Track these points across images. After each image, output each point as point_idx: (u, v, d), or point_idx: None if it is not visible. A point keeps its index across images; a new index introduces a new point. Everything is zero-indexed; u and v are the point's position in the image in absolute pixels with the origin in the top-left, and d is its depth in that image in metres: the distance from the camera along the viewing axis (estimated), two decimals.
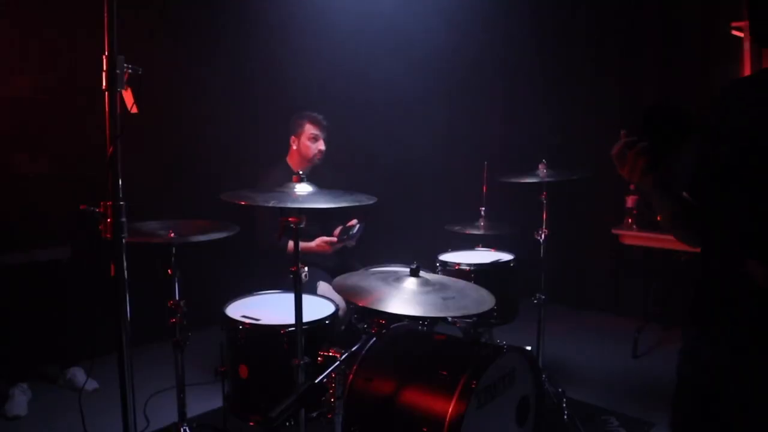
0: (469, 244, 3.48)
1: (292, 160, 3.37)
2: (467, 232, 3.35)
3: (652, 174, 1.24)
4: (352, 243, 3.29)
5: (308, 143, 3.30)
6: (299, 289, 1.96)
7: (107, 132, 1.37)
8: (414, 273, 2.00)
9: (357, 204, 2.07)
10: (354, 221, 3.32)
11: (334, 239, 3.23)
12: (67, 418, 3.01)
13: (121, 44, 1.38)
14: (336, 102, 4.48)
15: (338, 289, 2.00)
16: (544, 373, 2.80)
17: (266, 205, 1.95)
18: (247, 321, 2.29)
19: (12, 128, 3.37)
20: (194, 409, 2.99)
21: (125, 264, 1.44)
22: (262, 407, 2.22)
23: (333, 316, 2.37)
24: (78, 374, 3.37)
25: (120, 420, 1.47)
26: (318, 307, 2.47)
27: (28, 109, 3.43)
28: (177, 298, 2.43)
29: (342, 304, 2.73)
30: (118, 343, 1.45)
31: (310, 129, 3.30)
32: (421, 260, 2.08)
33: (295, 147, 3.34)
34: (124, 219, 1.42)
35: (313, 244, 3.18)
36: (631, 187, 4.14)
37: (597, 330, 4.52)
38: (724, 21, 4.21)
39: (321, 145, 3.32)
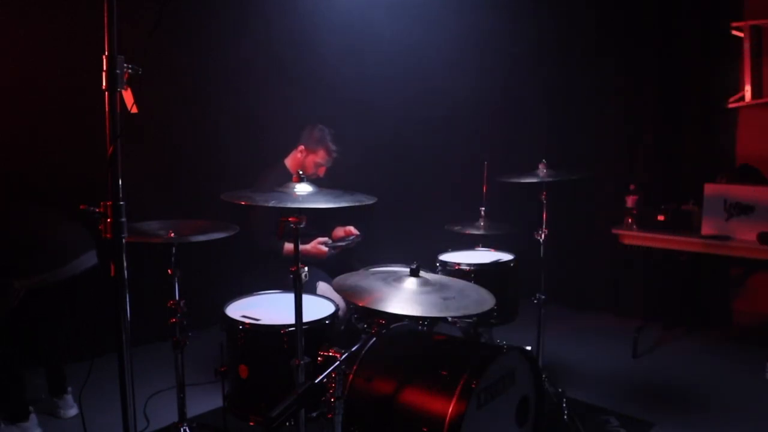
0: (469, 244, 3.47)
1: (291, 164, 3.35)
2: (467, 232, 3.34)
3: None
4: (335, 251, 3.26)
5: (312, 166, 3.30)
6: (299, 288, 1.95)
7: (107, 132, 1.37)
8: (414, 273, 2.00)
9: (357, 204, 2.07)
10: (354, 231, 3.31)
11: (328, 240, 3.22)
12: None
13: (121, 44, 1.38)
14: (336, 102, 4.48)
15: (338, 289, 2.00)
16: (544, 373, 2.80)
17: (266, 205, 1.95)
18: (247, 321, 2.29)
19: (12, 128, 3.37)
20: (194, 409, 2.98)
21: (125, 264, 1.44)
22: (262, 407, 2.22)
23: (333, 316, 2.37)
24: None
25: (120, 420, 1.48)
26: (318, 307, 2.47)
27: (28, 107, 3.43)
28: (177, 298, 2.43)
29: (342, 304, 2.72)
30: (118, 343, 1.45)
31: (322, 156, 3.29)
32: (421, 260, 2.08)
33: (300, 156, 3.31)
34: (124, 219, 1.42)
35: (309, 246, 3.15)
36: (631, 187, 4.15)
37: (597, 330, 4.52)
38: (724, 21, 4.23)
39: (321, 172, 3.33)
